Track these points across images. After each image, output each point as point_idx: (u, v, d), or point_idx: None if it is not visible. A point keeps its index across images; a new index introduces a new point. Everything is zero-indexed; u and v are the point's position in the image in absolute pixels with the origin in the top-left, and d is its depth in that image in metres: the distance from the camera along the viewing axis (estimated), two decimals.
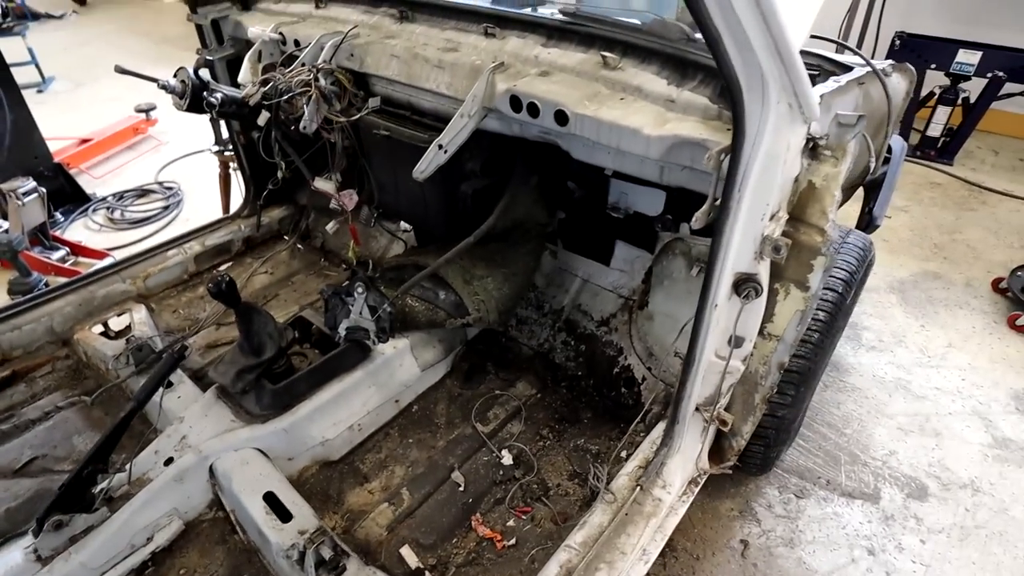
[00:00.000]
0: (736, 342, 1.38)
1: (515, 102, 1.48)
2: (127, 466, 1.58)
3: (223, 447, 1.66)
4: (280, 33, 2.01)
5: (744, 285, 1.29)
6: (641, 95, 1.38)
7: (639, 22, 1.53)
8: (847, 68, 1.99)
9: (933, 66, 4.38)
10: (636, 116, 1.32)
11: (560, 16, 1.62)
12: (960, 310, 3.15)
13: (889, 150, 2.61)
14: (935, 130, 4.57)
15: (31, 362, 2.11)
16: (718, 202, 1.18)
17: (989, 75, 4.17)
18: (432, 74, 1.68)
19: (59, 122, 4.91)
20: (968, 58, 4.21)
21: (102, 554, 1.45)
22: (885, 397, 2.65)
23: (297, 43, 1.97)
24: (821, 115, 1.18)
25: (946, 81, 4.44)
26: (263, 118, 1.84)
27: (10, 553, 1.41)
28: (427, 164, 1.62)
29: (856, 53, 2.11)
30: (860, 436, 2.46)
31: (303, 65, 1.81)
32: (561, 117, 1.41)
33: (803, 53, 2.16)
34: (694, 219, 1.22)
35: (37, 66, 6.03)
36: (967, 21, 4.78)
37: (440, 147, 1.59)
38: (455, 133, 1.57)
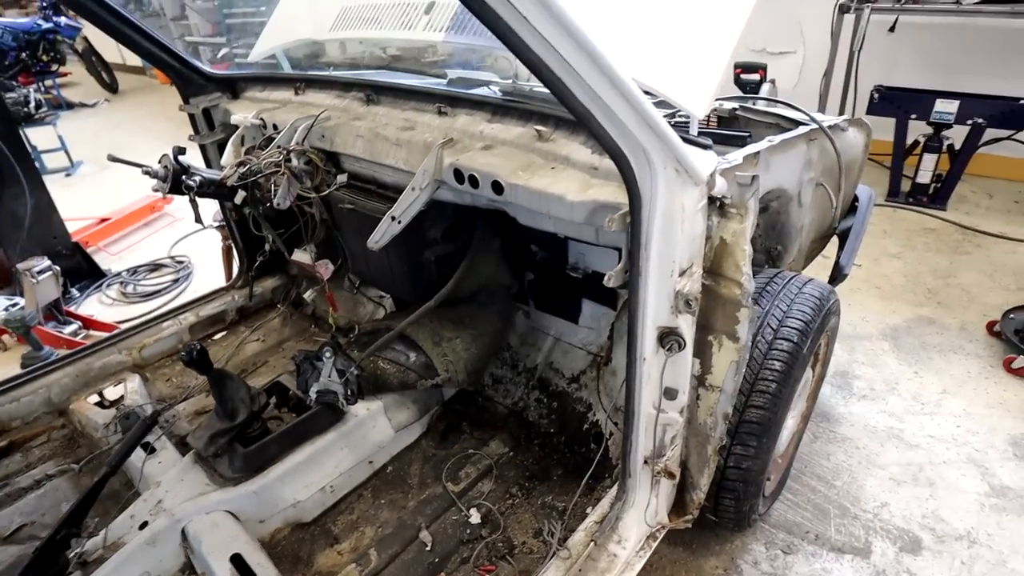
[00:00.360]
0: (668, 394, 1.42)
1: (458, 174, 1.59)
2: (102, 531, 1.64)
3: (195, 510, 1.72)
4: (261, 118, 2.17)
5: (667, 339, 1.34)
6: (569, 164, 1.47)
7: None
8: (799, 126, 2.09)
9: (913, 116, 4.47)
10: (562, 183, 1.42)
11: (501, 95, 1.75)
12: (955, 355, 3.12)
13: (857, 199, 2.67)
14: (924, 177, 4.63)
15: (28, 432, 2.21)
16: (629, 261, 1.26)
17: (969, 122, 4.25)
18: (391, 151, 1.81)
19: (84, 203, 5.23)
20: (946, 107, 4.31)
21: None
22: (877, 447, 2.61)
23: (275, 127, 2.12)
24: (762, 172, 1.25)
25: (929, 130, 4.51)
26: (239, 197, 1.97)
27: None
28: (381, 234, 1.73)
29: (801, 111, 2.21)
30: (851, 488, 2.42)
31: (277, 147, 1.96)
32: (497, 187, 1.51)
33: (765, 113, 2.29)
34: (607, 277, 1.30)
35: (66, 152, 6.45)
36: (945, 71, 4.90)
37: (393, 218, 1.70)
38: (407, 205, 1.68)
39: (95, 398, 2.30)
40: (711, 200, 1.27)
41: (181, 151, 1.93)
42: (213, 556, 1.61)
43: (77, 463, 2.06)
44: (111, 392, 2.35)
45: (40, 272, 3.21)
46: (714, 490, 1.80)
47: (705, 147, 1.23)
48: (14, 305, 3.13)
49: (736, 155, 1.46)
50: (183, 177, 1.95)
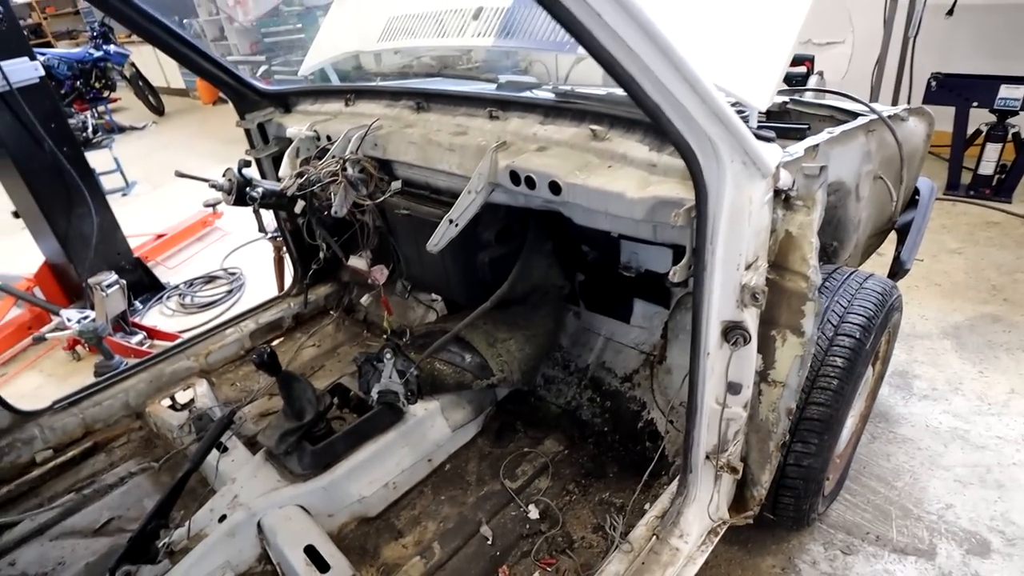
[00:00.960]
0: (732, 388, 1.43)
1: (514, 176, 1.63)
2: (186, 523, 1.73)
3: (269, 504, 1.80)
4: (314, 130, 2.25)
5: (732, 332, 1.35)
6: (627, 162, 1.50)
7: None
8: (857, 117, 2.06)
9: (975, 104, 4.31)
10: (620, 181, 1.44)
11: (554, 96, 1.78)
12: None
13: (918, 192, 2.62)
14: (987, 168, 4.45)
15: (110, 433, 2.35)
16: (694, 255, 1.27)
17: None
18: (445, 156, 1.86)
19: (140, 220, 5.46)
20: (1012, 93, 4.13)
21: None
22: (940, 448, 2.54)
23: (329, 138, 2.20)
24: (825, 164, 1.26)
25: (992, 118, 4.35)
26: (299, 206, 2.05)
27: None
28: (439, 238, 1.78)
29: (860, 101, 2.18)
30: (912, 489, 2.36)
31: (332, 157, 2.03)
32: (555, 187, 1.55)
33: (817, 105, 2.27)
34: (672, 272, 1.32)
35: (122, 173, 6.75)
36: (1004, 56, 4.71)
37: (451, 221, 1.75)
38: (464, 208, 1.73)
39: (167, 401, 2.42)
40: (776, 193, 1.28)
41: (246, 164, 2.02)
42: (288, 547, 1.68)
43: (156, 461, 2.17)
44: (181, 396, 2.47)
45: (108, 286, 3.37)
46: (773, 488, 1.79)
47: (769, 140, 1.23)
48: (86, 318, 3.30)
49: (797, 148, 1.46)
50: (247, 189, 2.04)
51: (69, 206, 3.71)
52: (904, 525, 2.22)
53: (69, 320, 3.30)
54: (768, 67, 1.40)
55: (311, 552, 1.67)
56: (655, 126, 1.44)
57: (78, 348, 3.66)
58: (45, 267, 3.99)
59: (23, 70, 3.33)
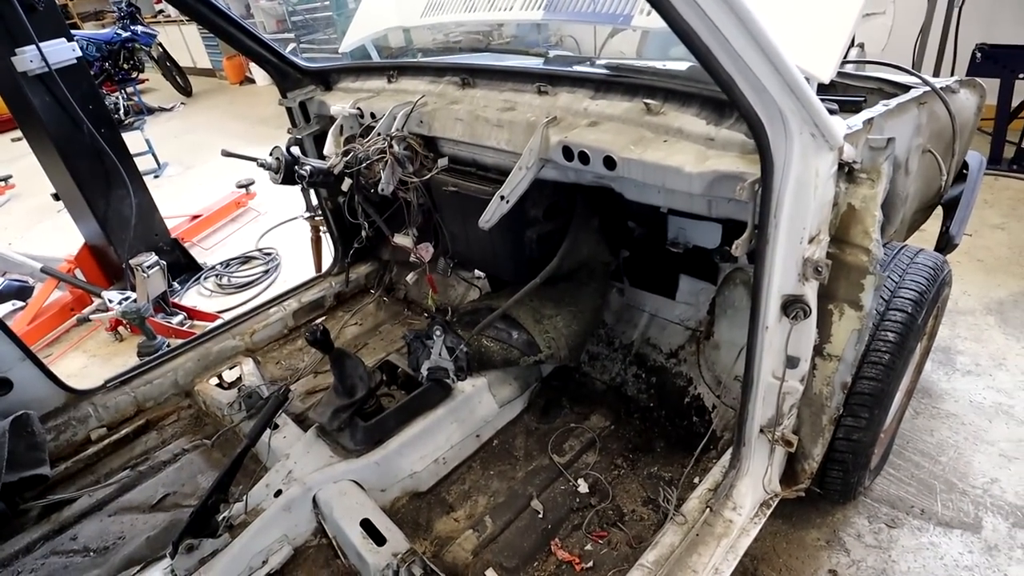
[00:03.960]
0: (790, 362, 1.43)
1: (567, 152, 1.63)
2: (244, 497, 1.77)
3: (324, 479, 1.84)
4: (358, 108, 2.25)
5: (792, 307, 1.35)
6: (683, 136, 1.49)
7: (680, 68, 1.65)
8: (907, 89, 2.02)
9: (1021, 76, 4.20)
10: (678, 156, 1.43)
11: (605, 71, 1.77)
12: None
13: (966, 166, 2.57)
14: None
15: (160, 412, 2.40)
16: (757, 230, 1.27)
17: None
18: (493, 132, 1.86)
19: (174, 202, 5.54)
20: None
21: (226, 575, 1.62)
22: (984, 423, 2.52)
23: (373, 115, 2.20)
24: (893, 136, 1.25)
25: None
26: (346, 184, 2.07)
27: (152, 574, 1.63)
28: (491, 214, 1.78)
29: (912, 73, 2.14)
30: (957, 464, 2.35)
31: (379, 135, 2.04)
32: (609, 162, 1.54)
33: (863, 77, 2.23)
34: (735, 247, 1.31)
35: (153, 154, 6.81)
36: None
37: (502, 198, 1.75)
38: (515, 184, 1.73)
39: (215, 380, 2.47)
40: (840, 166, 1.27)
41: (297, 142, 2.03)
42: (345, 521, 1.72)
43: (207, 439, 2.22)
44: (228, 374, 2.52)
45: (149, 267, 3.42)
46: (822, 462, 1.79)
47: (832, 112, 1.22)
48: (127, 298, 3.36)
49: (855, 120, 1.44)
50: (295, 167, 2.05)
51: (108, 188, 3.77)
52: (949, 499, 2.22)
53: (111, 301, 3.37)
54: (831, 38, 1.38)
55: (367, 525, 1.71)
56: (717, 99, 1.44)
57: (120, 329, 3.75)
58: (85, 249, 4.07)
59: (61, 51, 3.35)
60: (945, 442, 2.45)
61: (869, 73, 2.29)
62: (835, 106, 1.22)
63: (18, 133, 7.98)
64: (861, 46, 3.24)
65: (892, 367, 1.71)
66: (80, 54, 3.48)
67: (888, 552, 2.05)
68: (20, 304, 3.99)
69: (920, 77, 2.06)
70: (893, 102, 1.72)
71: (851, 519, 2.17)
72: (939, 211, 2.52)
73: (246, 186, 5.23)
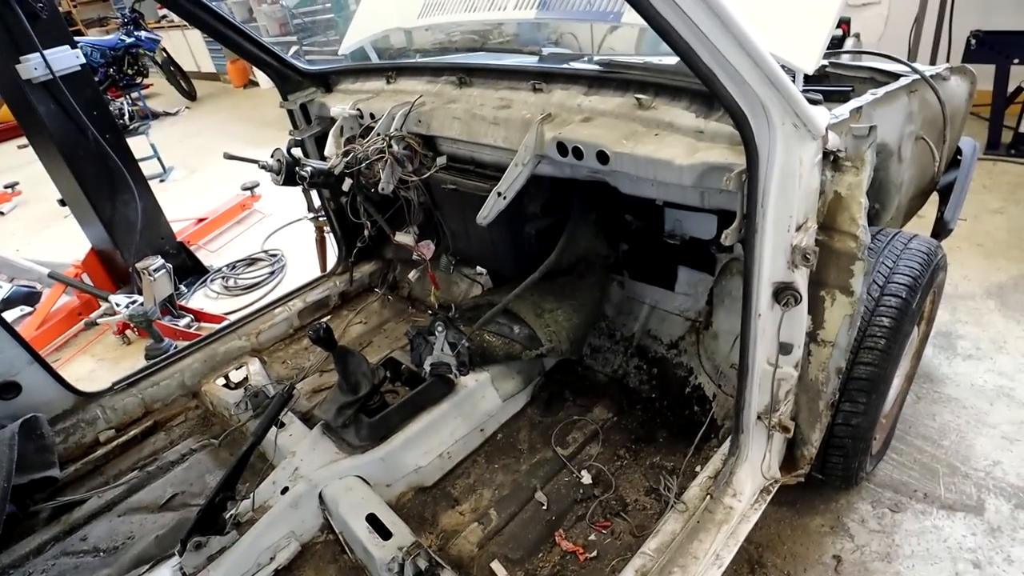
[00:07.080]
0: (784, 349, 1.45)
1: (561, 147, 1.65)
2: (251, 495, 1.81)
3: (330, 476, 1.87)
4: (357, 109, 2.27)
5: (783, 294, 1.37)
6: (673, 129, 1.51)
7: (670, 63, 1.67)
8: (897, 77, 2.04)
9: (1016, 61, 4.20)
10: (668, 149, 1.46)
11: (598, 67, 1.79)
12: None
13: (960, 152, 2.58)
14: None
15: (168, 412, 2.44)
16: (745, 219, 1.29)
17: None
18: (489, 130, 1.89)
19: (179, 205, 5.59)
20: None
21: (234, 572, 1.65)
22: (986, 406, 2.53)
23: (372, 116, 2.22)
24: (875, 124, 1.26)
25: None
26: (347, 184, 2.10)
27: (161, 572, 1.66)
28: (489, 210, 1.81)
29: (900, 61, 2.15)
30: (959, 447, 2.37)
31: (378, 135, 2.06)
32: (602, 156, 1.56)
33: (854, 67, 2.25)
34: (724, 236, 1.34)
35: (159, 159, 6.86)
36: None
37: (499, 194, 1.78)
38: (512, 180, 1.76)
39: (222, 380, 2.51)
40: (825, 155, 1.29)
41: (298, 143, 2.06)
42: (351, 516, 1.75)
43: (215, 438, 2.26)
44: (235, 374, 2.56)
45: (156, 270, 3.47)
46: (822, 448, 1.81)
47: (815, 102, 1.24)
48: (134, 302, 3.40)
49: (842, 109, 1.46)
50: (296, 168, 2.08)
51: (113, 192, 3.81)
52: (952, 482, 2.23)
53: (118, 305, 3.41)
54: (814, 30, 1.39)
55: (373, 520, 1.73)
56: (706, 92, 1.46)
57: (128, 332, 3.79)
58: (92, 253, 4.11)
59: (65, 58, 3.39)
60: (947, 426, 2.46)
61: (863, 63, 2.30)
62: (819, 96, 1.24)
63: (24, 140, 8.02)
64: (857, 36, 3.25)
65: (888, 352, 1.73)
66: (84, 61, 3.52)
67: (892, 536, 2.07)
68: (28, 309, 4.04)
69: (909, 65, 2.08)
70: (881, 91, 1.74)
71: (854, 504, 2.19)
72: (936, 197, 2.54)
73: (251, 188, 5.28)
